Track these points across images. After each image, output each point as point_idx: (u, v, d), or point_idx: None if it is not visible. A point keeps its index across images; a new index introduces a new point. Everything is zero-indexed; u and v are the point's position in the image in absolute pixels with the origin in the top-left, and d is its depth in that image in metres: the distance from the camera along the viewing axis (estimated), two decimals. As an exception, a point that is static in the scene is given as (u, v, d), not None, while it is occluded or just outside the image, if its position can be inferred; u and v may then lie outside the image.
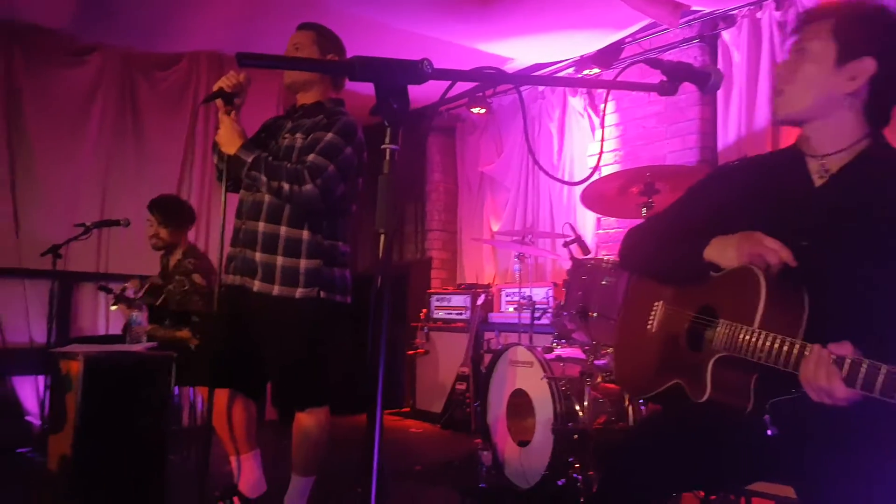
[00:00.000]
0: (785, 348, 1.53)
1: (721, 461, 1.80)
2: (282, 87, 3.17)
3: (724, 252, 1.78)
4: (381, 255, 1.27)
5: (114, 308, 4.42)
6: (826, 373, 1.44)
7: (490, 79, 1.45)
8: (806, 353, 1.49)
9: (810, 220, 1.77)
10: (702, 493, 2.28)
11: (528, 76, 2.49)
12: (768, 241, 1.70)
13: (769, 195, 1.88)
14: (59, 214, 5.38)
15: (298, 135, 3.02)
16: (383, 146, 1.29)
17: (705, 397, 1.70)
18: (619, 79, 2.32)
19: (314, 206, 2.92)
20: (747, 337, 1.60)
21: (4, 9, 5.18)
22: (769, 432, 1.66)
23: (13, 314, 5.34)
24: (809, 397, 1.51)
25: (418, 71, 1.28)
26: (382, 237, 1.28)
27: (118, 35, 5.68)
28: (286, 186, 2.85)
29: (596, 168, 1.80)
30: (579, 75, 5.73)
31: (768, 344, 1.56)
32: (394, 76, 1.29)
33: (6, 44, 5.41)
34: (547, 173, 1.78)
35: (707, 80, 1.56)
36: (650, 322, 2.05)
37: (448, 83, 1.45)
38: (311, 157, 2.89)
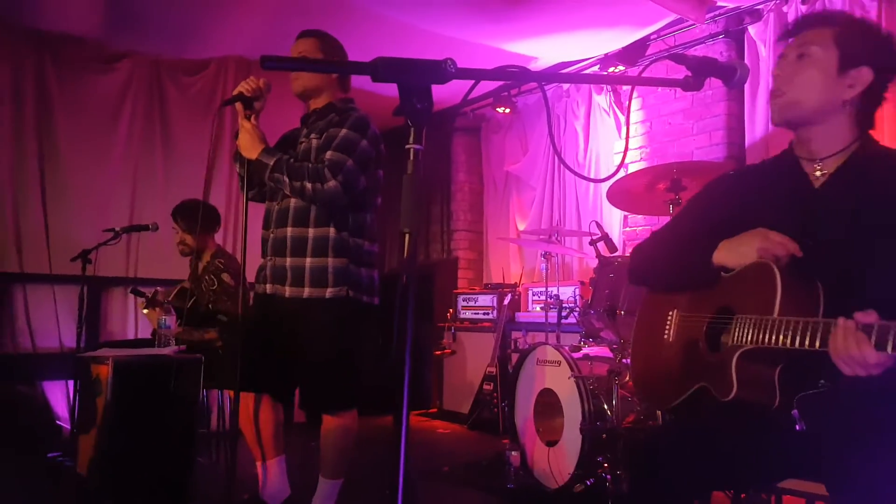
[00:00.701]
0: (810, 328, 1.53)
1: (751, 459, 1.79)
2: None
3: (734, 252, 1.84)
4: (405, 254, 1.27)
5: (145, 312, 4.45)
6: (856, 340, 1.45)
7: (514, 77, 1.45)
8: (832, 327, 1.49)
9: (814, 220, 1.83)
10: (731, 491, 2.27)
11: (552, 74, 2.47)
12: (774, 235, 1.77)
13: (770, 200, 1.95)
14: (89, 219, 5.44)
15: (313, 136, 3.04)
16: (407, 146, 1.29)
17: (732, 394, 1.70)
18: (644, 75, 2.32)
19: (338, 202, 2.93)
20: (770, 325, 1.61)
21: (35, 18, 5.25)
22: (798, 427, 1.67)
23: (43, 319, 5.40)
24: (837, 391, 1.52)
25: (441, 70, 1.28)
26: (407, 237, 1.27)
27: (147, 42, 5.74)
28: (309, 186, 2.87)
29: (622, 165, 1.80)
30: (604, 73, 5.71)
31: (792, 328, 1.56)
32: (417, 76, 1.28)
33: (37, 52, 5.47)
34: (573, 171, 1.77)
35: (732, 75, 1.55)
36: (666, 332, 2.07)
37: (472, 83, 1.44)
38: (328, 154, 2.91)
